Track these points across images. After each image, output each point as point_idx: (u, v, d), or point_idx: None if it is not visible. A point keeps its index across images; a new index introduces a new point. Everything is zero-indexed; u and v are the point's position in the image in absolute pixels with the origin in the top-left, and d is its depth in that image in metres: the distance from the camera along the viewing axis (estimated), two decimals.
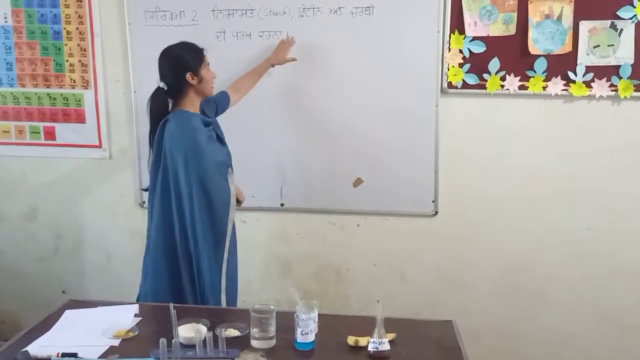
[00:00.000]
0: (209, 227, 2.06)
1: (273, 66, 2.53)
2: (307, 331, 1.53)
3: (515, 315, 2.74)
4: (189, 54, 2.12)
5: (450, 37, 2.52)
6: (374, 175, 2.70)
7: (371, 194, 2.70)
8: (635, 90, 2.48)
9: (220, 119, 2.34)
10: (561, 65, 2.49)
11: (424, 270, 2.77)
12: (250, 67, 2.59)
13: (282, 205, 2.79)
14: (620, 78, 2.48)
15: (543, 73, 2.50)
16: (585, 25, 2.45)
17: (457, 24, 2.51)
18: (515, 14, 2.48)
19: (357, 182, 2.71)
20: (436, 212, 2.70)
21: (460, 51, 2.53)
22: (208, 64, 2.16)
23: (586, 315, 2.70)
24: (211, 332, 1.42)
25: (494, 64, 2.52)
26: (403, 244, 2.76)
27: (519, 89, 2.53)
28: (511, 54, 2.50)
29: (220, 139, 2.22)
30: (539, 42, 2.48)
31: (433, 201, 2.68)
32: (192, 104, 2.15)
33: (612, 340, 2.70)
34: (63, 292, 3.00)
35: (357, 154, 2.68)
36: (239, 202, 2.27)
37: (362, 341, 1.55)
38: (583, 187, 2.61)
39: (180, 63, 2.09)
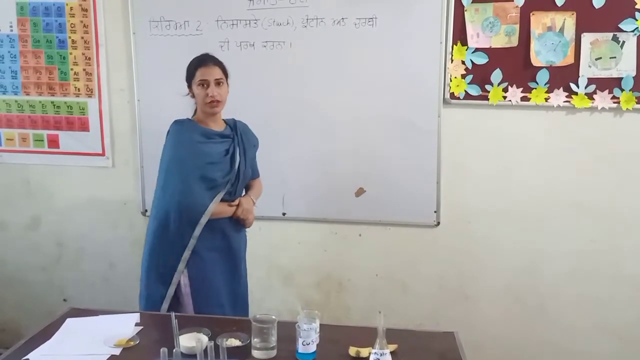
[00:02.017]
0: (160, 235, 2.07)
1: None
2: (308, 341, 1.53)
3: (517, 328, 2.72)
4: (188, 67, 2.15)
5: (452, 49, 2.54)
6: (376, 185, 2.70)
7: (373, 203, 2.70)
8: (637, 103, 2.49)
9: None
10: (563, 77, 2.50)
11: (425, 281, 2.76)
12: (253, 76, 2.62)
13: (283, 214, 2.79)
14: (622, 90, 2.49)
15: (545, 85, 2.51)
16: (587, 38, 2.47)
17: (460, 36, 2.53)
18: (517, 26, 2.49)
19: (359, 192, 2.71)
20: (438, 223, 2.70)
21: (463, 62, 2.54)
22: (204, 80, 2.08)
23: (589, 328, 2.68)
24: (212, 342, 1.41)
25: (496, 76, 2.53)
26: (405, 254, 2.76)
27: (521, 100, 2.54)
28: (513, 66, 2.51)
29: (232, 156, 2.13)
30: (541, 54, 2.49)
31: (435, 212, 2.68)
32: (200, 116, 2.16)
33: (614, 353, 2.68)
34: (64, 300, 3.00)
35: (359, 163, 2.69)
36: (243, 223, 2.18)
37: (364, 352, 1.55)
38: (585, 199, 2.60)
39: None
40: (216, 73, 2.10)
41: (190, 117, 2.18)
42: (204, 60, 2.11)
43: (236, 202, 2.17)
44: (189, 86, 2.15)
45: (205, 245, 2.09)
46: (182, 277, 2.07)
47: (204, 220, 2.05)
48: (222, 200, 2.11)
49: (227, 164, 2.12)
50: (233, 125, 2.21)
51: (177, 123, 2.15)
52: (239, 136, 2.18)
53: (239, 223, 2.19)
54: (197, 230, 2.04)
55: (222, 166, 2.11)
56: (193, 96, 2.15)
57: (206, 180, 2.07)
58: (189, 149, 2.07)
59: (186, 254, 2.05)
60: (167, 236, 2.06)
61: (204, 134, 2.11)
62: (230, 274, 2.19)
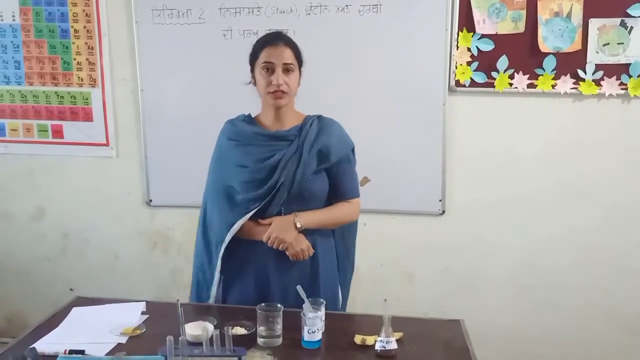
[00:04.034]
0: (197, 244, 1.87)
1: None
2: (314, 330, 1.52)
3: (523, 317, 2.72)
4: (253, 46, 1.75)
5: (458, 35, 2.51)
6: (380, 174, 2.68)
7: (378, 192, 2.69)
8: None
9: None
10: (570, 64, 2.47)
11: (431, 270, 2.75)
12: None
13: None
14: (630, 76, 2.46)
15: (552, 71, 2.49)
16: (594, 23, 2.43)
17: (466, 22, 2.50)
18: (524, 12, 2.46)
19: (364, 181, 2.70)
20: (443, 212, 2.68)
21: (469, 49, 2.52)
22: (269, 63, 1.69)
23: (594, 317, 2.67)
24: (218, 330, 1.41)
25: (503, 62, 2.50)
26: (410, 243, 2.75)
27: (527, 87, 2.51)
28: (520, 52, 2.49)
29: (276, 164, 1.71)
30: (548, 40, 2.46)
31: (440, 200, 2.67)
32: (263, 109, 1.81)
33: (620, 342, 2.67)
34: (71, 289, 3.01)
35: (364, 152, 2.63)
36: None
37: (369, 340, 1.54)
38: (592, 186, 2.58)
39: None
40: (286, 56, 1.69)
41: (250, 114, 1.83)
42: (272, 39, 1.71)
43: (267, 221, 1.72)
44: (252, 70, 1.75)
45: (248, 273, 1.77)
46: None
47: (227, 237, 1.72)
48: (253, 218, 1.73)
49: (263, 174, 1.71)
50: (306, 125, 1.77)
51: (227, 122, 1.85)
52: (301, 139, 1.73)
53: (285, 256, 1.72)
54: (221, 250, 1.73)
55: (258, 175, 1.71)
56: (254, 83, 1.76)
57: (234, 193, 1.74)
58: (223, 155, 1.79)
59: (216, 277, 1.77)
60: (200, 249, 1.83)
61: (250, 133, 1.76)
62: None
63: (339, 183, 1.80)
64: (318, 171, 1.75)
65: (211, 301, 1.83)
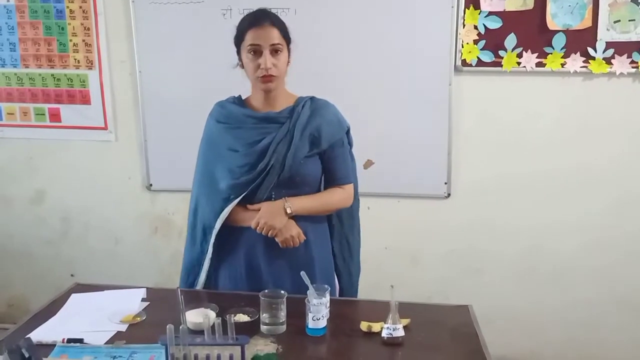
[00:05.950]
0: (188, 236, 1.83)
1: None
2: (318, 317, 1.49)
3: (529, 300, 2.69)
4: (238, 26, 1.66)
5: (464, 13, 2.45)
6: (384, 157, 2.63)
7: (382, 175, 2.65)
8: None
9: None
10: (580, 41, 2.41)
11: (436, 254, 2.73)
12: None
13: None
14: None
15: (561, 49, 2.42)
16: None
17: None
18: None
19: (368, 164, 2.65)
20: (449, 194, 2.64)
21: (475, 27, 2.45)
22: (255, 45, 1.60)
23: (601, 299, 2.65)
24: (220, 318, 1.37)
25: (511, 40, 2.44)
26: (415, 226, 2.72)
27: (536, 66, 2.45)
28: (528, 30, 2.42)
29: (266, 147, 1.64)
30: (557, 17, 2.39)
31: (446, 183, 2.62)
32: (253, 91, 1.73)
33: (627, 324, 2.66)
34: (71, 275, 2.99)
35: (368, 134, 2.60)
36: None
37: (376, 327, 1.51)
38: (601, 167, 2.54)
39: None
40: (273, 36, 1.60)
41: (240, 95, 1.76)
42: (258, 19, 1.61)
43: (256, 207, 1.66)
44: (238, 52, 1.67)
45: (238, 261, 1.73)
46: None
47: (217, 224, 1.67)
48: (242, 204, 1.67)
49: (253, 158, 1.65)
50: (298, 106, 1.70)
51: (216, 104, 1.78)
52: (292, 122, 1.66)
53: (276, 243, 1.66)
54: (212, 238, 1.69)
55: (248, 160, 1.65)
56: (242, 66, 1.68)
57: (223, 177, 1.68)
58: (213, 138, 1.72)
59: (206, 265, 1.74)
60: (187, 235, 1.81)
61: (239, 116, 1.70)
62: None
63: (332, 168, 1.73)
64: (310, 155, 1.69)
65: (198, 288, 1.80)
